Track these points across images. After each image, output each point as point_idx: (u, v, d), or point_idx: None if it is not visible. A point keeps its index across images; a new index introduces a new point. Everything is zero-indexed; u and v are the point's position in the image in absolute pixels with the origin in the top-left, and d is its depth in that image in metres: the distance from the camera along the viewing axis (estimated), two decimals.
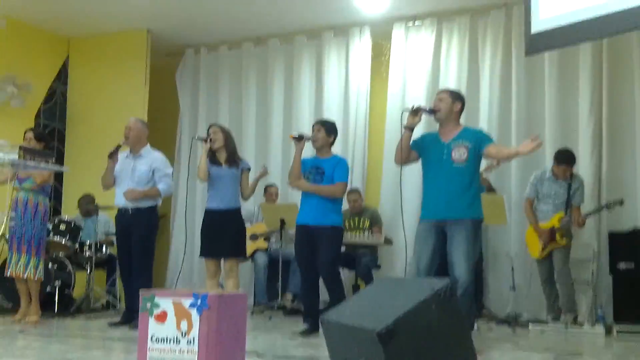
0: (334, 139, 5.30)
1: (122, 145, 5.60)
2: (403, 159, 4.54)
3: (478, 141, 4.39)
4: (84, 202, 7.41)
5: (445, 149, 4.39)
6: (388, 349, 2.48)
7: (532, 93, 6.86)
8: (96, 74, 8.28)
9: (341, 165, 5.19)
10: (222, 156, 5.42)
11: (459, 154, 4.34)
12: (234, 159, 5.41)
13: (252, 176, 5.64)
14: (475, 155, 4.39)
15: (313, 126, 5.31)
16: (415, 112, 4.44)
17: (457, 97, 4.58)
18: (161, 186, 5.55)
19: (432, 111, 4.49)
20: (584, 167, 6.37)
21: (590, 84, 6.52)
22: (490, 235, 6.75)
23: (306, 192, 5.19)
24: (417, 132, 4.77)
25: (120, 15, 7.66)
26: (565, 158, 5.92)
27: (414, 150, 4.56)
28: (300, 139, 5.18)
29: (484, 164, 6.56)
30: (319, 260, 5.04)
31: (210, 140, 5.35)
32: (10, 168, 5.52)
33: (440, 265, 4.45)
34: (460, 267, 4.22)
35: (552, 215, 5.95)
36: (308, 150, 5.47)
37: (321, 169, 5.14)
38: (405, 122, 4.48)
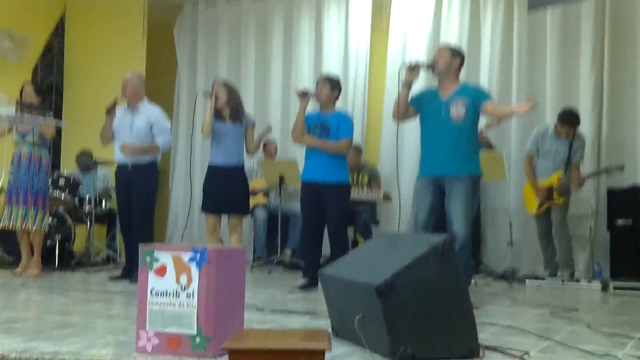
0: (338, 95, 5.24)
1: (120, 100, 5.56)
2: (400, 114, 4.52)
3: (476, 97, 4.37)
4: (82, 158, 7.41)
5: (444, 106, 4.37)
6: (386, 303, 2.50)
7: (533, 50, 6.81)
8: (93, 28, 8.18)
9: (346, 121, 5.13)
10: (226, 111, 5.38)
11: (457, 111, 4.32)
12: (237, 114, 5.37)
13: (256, 132, 5.61)
14: (474, 112, 4.37)
15: (317, 81, 5.24)
16: (413, 68, 4.41)
17: (456, 52, 4.55)
18: (159, 140, 5.53)
19: (431, 66, 4.46)
20: (584, 126, 6.32)
21: (592, 42, 6.46)
22: (489, 191, 6.78)
23: (311, 148, 5.14)
24: (417, 89, 4.75)
25: None
26: (570, 118, 5.88)
27: (412, 106, 4.53)
28: (305, 94, 5.12)
29: (484, 121, 6.57)
30: (327, 217, 5.03)
31: (215, 96, 5.31)
32: (7, 122, 5.50)
33: (438, 222, 4.48)
34: (458, 222, 4.23)
35: (550, 173, 5.95)
36: (311, 106, 5.42)
37: (327, 124, 5.08)
38: (403, 78, 4.45)
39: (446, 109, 4.35)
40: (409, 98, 4.50)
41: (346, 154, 5.19)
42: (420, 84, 6.00)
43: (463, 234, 4.19)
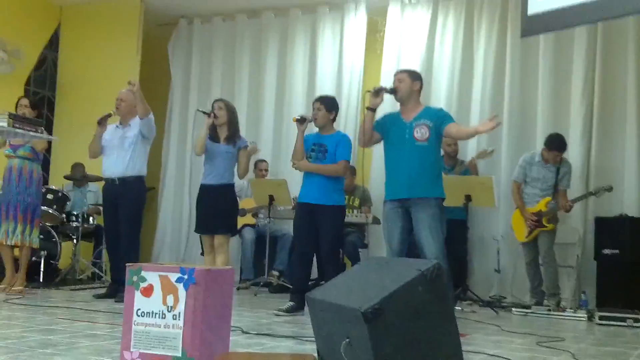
0: (336, 115, 5.23)
1: (113, 115, 5.56)
2: (366, 140, 4.57)
3: (439, 120, 4.44)
4: (77, 170, 7.32)
5: (407, 128, 4.43)
6: (373, 328, 2.48)
7: (525, 75, 6.87)
8: (88, 42, 8.20)
9: (344, 142, 5.11)
10: (222, 133, 5.38)
11: (421, 132, 4.38)
12: (233, 137, 5.37)
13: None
14: (437, 134, 4.44)
15: (313, 104, 5.23)
16: (377, 92, 4.49)
17: (416, 76, 4.64)
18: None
19: (393, 90, 4.51)
20: (573, 152, 6.39)
21: (584, 68, 6.52)
22: (478, 217, 6.77)
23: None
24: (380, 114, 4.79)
25: None
26: (557, 144, 5.91)
27: (376, 131, 4.58)
28: (302, 121, 5.12)
29: (477, 146, 6.60)
30: (320, 239, 5.01)
31: (215, 115, 5.31)
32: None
33: (409, 247, 4.50)
34: (430, 246, 4.26)
35: (538, 199, 5.96)
36: (313, 128, 5.43)
37: (324, 146, 5.08)
38: (367, 103, 4.49)
39: (410, 131, 4.41)
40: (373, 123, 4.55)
41: (343, 176, 5.17)
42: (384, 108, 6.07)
43: (437, 258, 4.18)
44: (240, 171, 5.49)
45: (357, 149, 7.58)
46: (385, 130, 4.57)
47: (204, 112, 5.42)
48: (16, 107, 5.78)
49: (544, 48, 6.73)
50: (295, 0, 7.91)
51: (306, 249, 5.10)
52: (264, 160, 7.50)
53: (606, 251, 5.88)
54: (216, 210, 5.29)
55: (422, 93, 4.72)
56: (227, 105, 5.47)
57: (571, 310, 5.53)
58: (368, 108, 4.49)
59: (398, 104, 4.69)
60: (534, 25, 4.31)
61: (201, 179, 5.48)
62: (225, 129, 5.38)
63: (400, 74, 4.65)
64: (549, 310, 5.56)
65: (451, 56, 7.17)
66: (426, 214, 4.30)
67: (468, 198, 6.04)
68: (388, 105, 5.17)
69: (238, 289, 6.60)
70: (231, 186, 5.41)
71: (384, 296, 2.54)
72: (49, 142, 6.62)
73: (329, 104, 5.18)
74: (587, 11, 4.01)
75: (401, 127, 4.46)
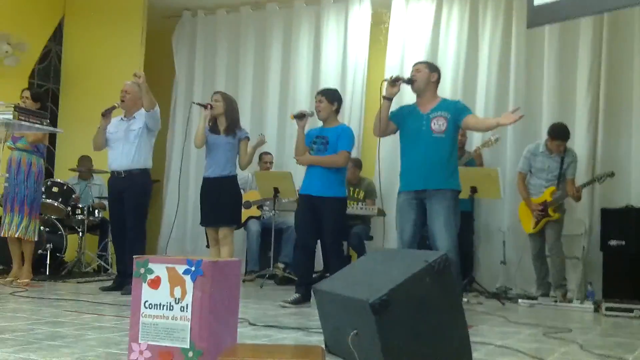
0: (339, 107, 5.21)
1: (117, 107, 5.55)
2: (382, 130, 4.53)
3: (457, 112, 4.39)
4: (84, 163, 7.32)
5: (425, 120, 4.39)
6: (380, 320, 2.48)
7: (530, 66, 6.83)
8: (92, 34, 8.19)
9: (345, 133, 5.10)
10: (222, 124, 5.38)
11: (438, 124, 4.34)
12: (233, 128, 5.36)
13: (250, 144, 5.59)
14: (454, 126, 4.40)
15: (315, 97, 5.23)
16: (394, 81, 4.44)
17: (433, 68, 4.60)
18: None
19: (410, 81, 4.48)
20: (579, 141, 6.36)
21: (590, 58, 6.48)
22: (483, 209, 6.77)
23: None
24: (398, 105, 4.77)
25: None
26: (559, 133, 5.88)
27: (392, 121, 4.55)
28: (301, 117, 5.12)
29: (482, 136, 6.57)
30: (322, 231, 5.01)
31: (211, 107, 5.31)
32: (4, 128, 5.45)
33: (420, 239, 4.48)
34: (442, 237, 4.23)
35: (543, 190, 5.95)
36: (317, 123, 5.41)
37: (325, 138, 5.07)
38: (384, 92, 4.46)
39: (427, 122, 4.37)
40: (389, 114, 4.52)
41: (344, 167, 5.16)
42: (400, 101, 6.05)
43: (449, 250, 4.17)
44: (242, 162, 5.48)
45: (362, 141, 7.60)
46: (401, 121, 4.53)
47: (200, 105, 5.43)
48: (20, 99, 5.77)
49: (550, 39, 6.69)
50: None
51: (307, 240, 5.10)
52: (269, 153, 7.50)
53: (612, 242, 5.85)
54: (218, 203, 5.30)
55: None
56: (225, 96, 5.48)
57: (578, 301, 5.52)
58: (384, 97, 4.45)
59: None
60: (540, 16, 4.30)
61: (203, 172, 5.48)
62: (223, 120, 5.37)
63: (419, 64, 4.61)
64: (556, 301, 5.56)
65: (456, 48, 7.14)
66: (441, 205, 4.27)
67: (474, 190, 6.03)
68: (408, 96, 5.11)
69: (244, 281, 6.61)
70: (233, 178, 5.41)
71: (391, 288, 2.54)
72: (53, 135, 6.61)
73: (331, 95, 5.17)
74: (593, 1, 4.00)
75: (418, 119, 4.42)
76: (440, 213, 4.26)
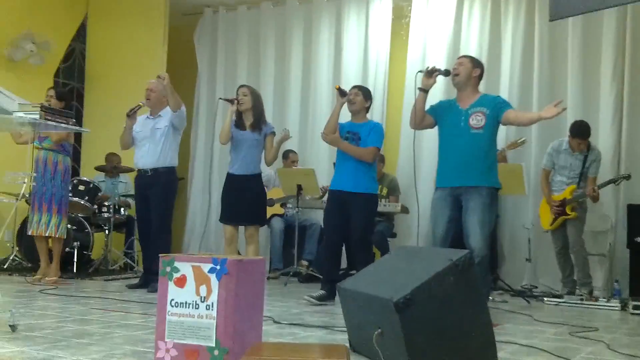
0: (370, 105, 5.19)
1: (143, 106, 5.58)
2: (417, 121, 4.48)
3: (497, 107, 4.34)
4: (111, 160, 7.38)
5: (463, 115, 4.35)
6: (404, 318, 2.48)
7: (554, 60, 6.77)
8: (115, 33, 8.26)
9: (376, 130, 5.05)
10: (248, 119, 5.36)
11: (477, 120, 4.30)
12: (259, 123, 5.34)
13: (275, 139, 5.55)
14: (494, 122, 4.34)
15: (350, 90, 5.13)
16: (430, 73, 4.40)
17: (477, 63, 4.55)
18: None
19: (447, 72, 4.45)
20: (603, 137, 6.30)
21: (614, 52, 6.41)
22: (508, 206, 6.72)
23: (342, 157, 5.05)
24: (436, 100, 4.73)
25: None
26: (579, 131, 5.81)
27: (430, 115, 4.51)
28: (343, 93, 5.00)
29: (506, 137, 6.50)
30: (351, 227, 4.95)
31: (238, 101, 5.30)
32: (31, 128, 5.52)
33: (454, 235, 4.44)
34: (475, 236, 4.19)
35: (565, 187, 5.90)
36: (346, 116, 5.36)
37: (357, 134, 5.03)
38: (420, 83, 4.43)
39: (465, 118, 4.33)
40: (428, 107, 4.49)
41: (374, 163, 5.08)
42: (440, 95, 6.01)
43: (480, 248, 4.15)
44: (268, 158, 5.45)
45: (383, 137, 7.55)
46: (439, 116, 4.50)
47: (227, 100, 5.41)
48: (45, 99, 5.84)
49: (573, 32, 6.62)
50: None
51: (335, 237, 5.06)
52: (294, 151, 7.48)
53: (639, 239, 5.79)
54: (242, 201, 5.28)
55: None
56: (252, 90, 5.43)
57: (604, 299, 5.46)
58: (420, 89, 4.42)
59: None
60: (563, 8, 4.24)
61: (228, 168, 5.47)
62: (250, 115, 5.35)
63: (462, 57, 4.58)
64: (582, 299, 5.50)
65: (478, 41, 7.09)
66: (476, 203, 4.22)
67: None
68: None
69: (268, 278, 6.63)
70: (258, 176, 5.39)
71: (415, 286, 2.54)
72: (78, 133, 6.67)
73: (366, 93, 5.14)
74: None
75: (457, 114, 4.38)
76: (475, 210, 4.22)
